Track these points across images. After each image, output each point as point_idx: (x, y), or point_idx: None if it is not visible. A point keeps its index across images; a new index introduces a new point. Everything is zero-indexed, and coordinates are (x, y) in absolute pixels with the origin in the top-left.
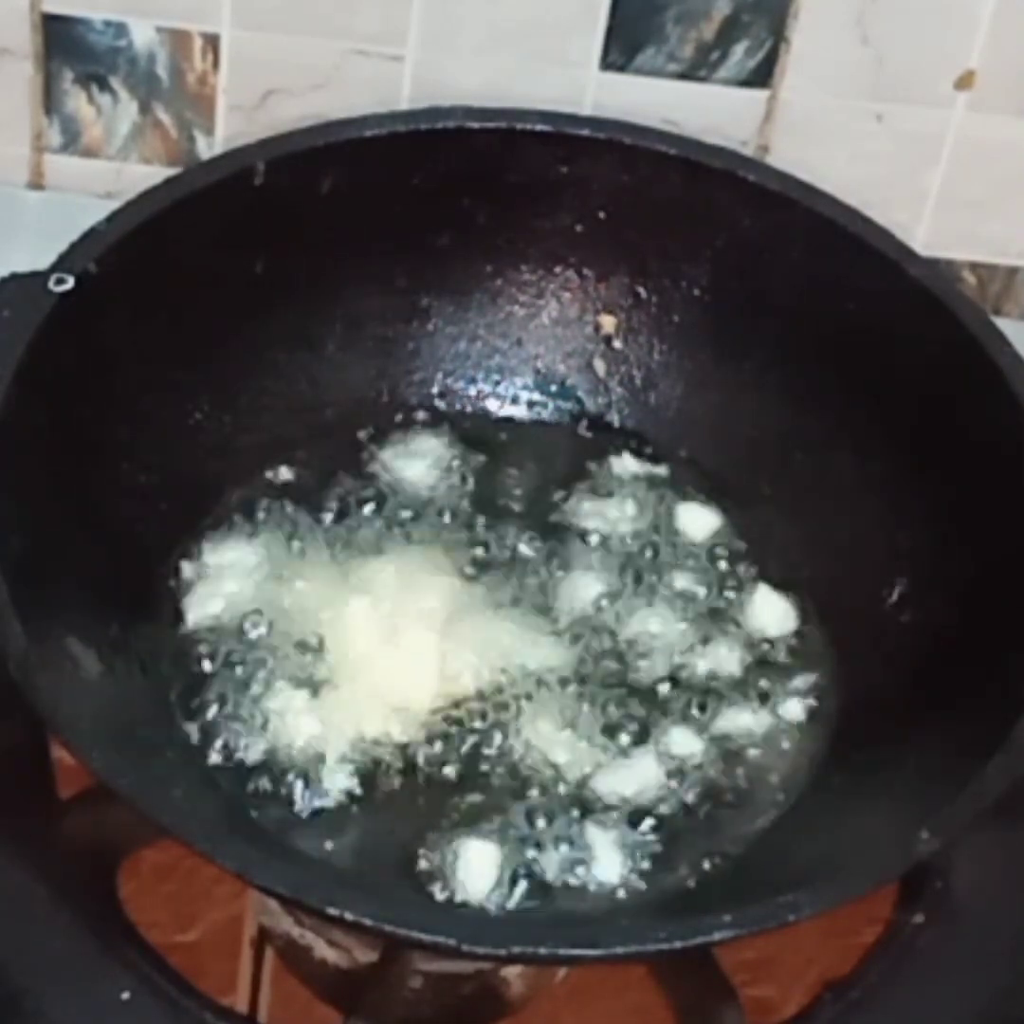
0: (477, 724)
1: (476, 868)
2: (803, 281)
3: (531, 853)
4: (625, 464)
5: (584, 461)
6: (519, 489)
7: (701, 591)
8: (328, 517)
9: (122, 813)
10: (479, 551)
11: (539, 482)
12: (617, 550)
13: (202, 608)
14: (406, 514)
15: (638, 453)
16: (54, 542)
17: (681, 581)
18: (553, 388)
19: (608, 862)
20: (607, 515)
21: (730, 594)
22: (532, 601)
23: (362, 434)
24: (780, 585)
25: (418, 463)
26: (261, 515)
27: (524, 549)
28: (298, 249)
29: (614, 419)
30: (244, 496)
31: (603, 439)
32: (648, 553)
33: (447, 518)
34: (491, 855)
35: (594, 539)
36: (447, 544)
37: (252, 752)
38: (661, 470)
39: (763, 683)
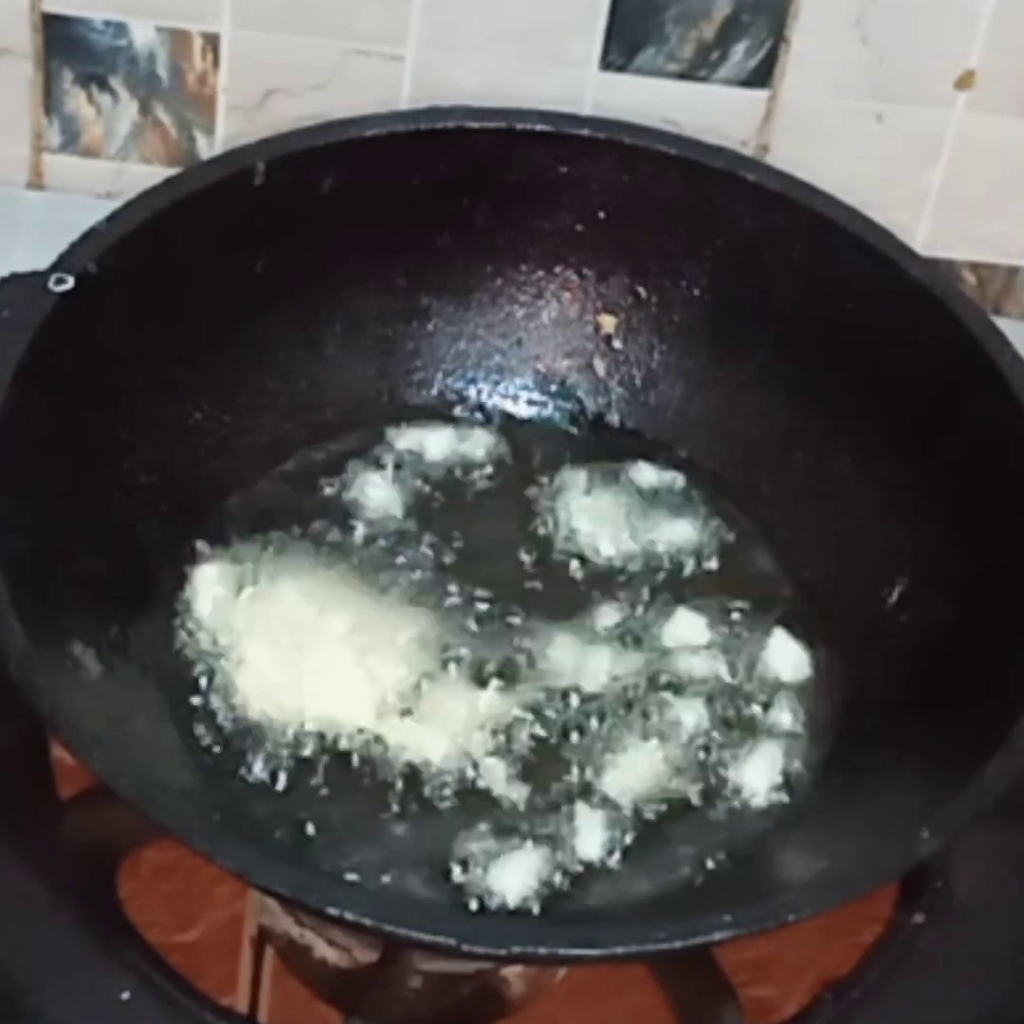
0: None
1: (510, 876)
2: (803, 281)
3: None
4: (640, 473)
5: (586, 465)
6: (516, 499)
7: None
8: (325, 520)
9: (122, 813)
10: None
11: (536, 490)
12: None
13: (202, 608)
14: (404, 520)
15: (647, 458)
16: (54, 542)
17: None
18: (553, 388)
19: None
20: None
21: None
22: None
23: (362, 434)
24: (778, 581)
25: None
26: (260, 516)
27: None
28: (298, 249)
29: (614, 419)
30: (244, 496)
31: (604, 440)
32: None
33: (445, 527)
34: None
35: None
36: (440, 560)
37: (254, 752)
38: (673, 478)
39: (763, 682)
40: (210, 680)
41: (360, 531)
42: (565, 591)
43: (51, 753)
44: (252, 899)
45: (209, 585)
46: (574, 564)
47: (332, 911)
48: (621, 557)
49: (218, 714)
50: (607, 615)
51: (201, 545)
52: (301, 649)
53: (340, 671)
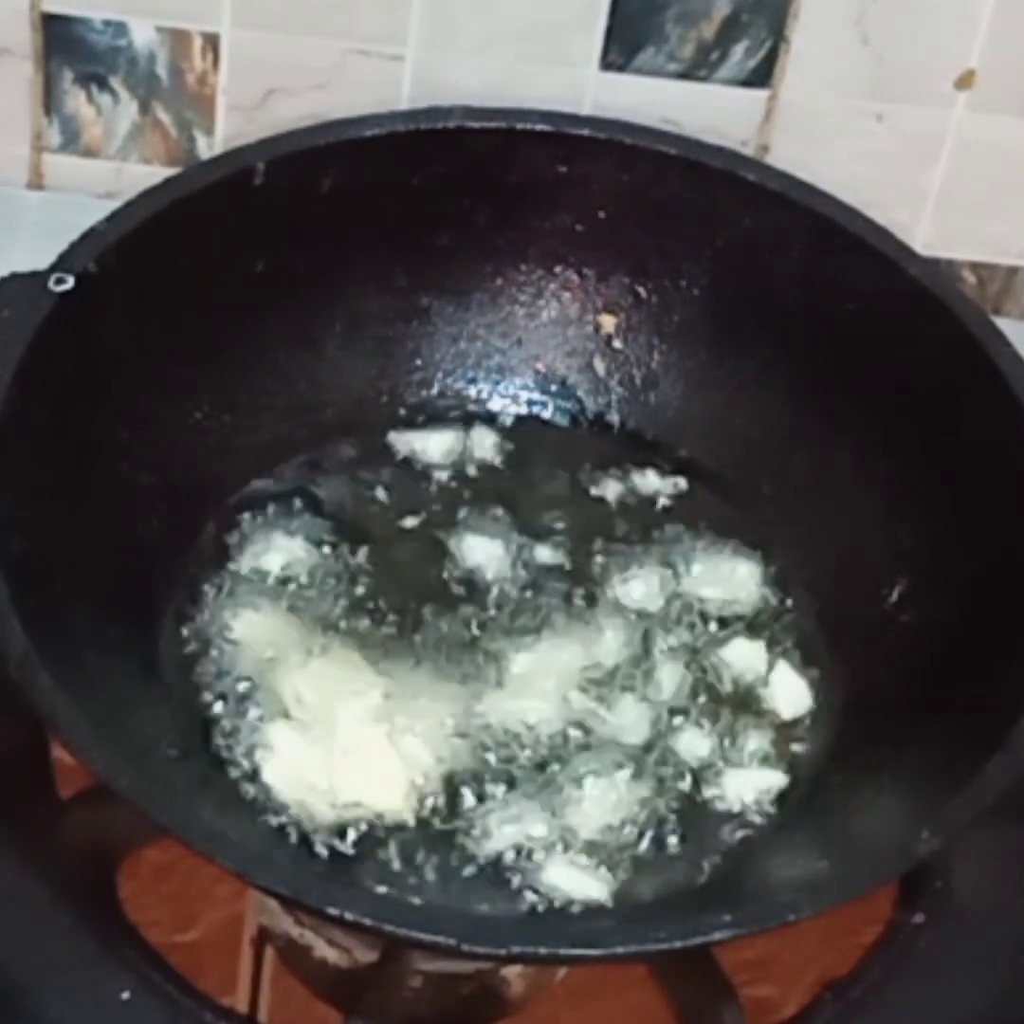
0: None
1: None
2: (803, 281)
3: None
4: (645, 480)
5: (586, 473)
6: (517, 501)
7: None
8: (322, 523)
9: (122, 813)
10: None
11: (540, 504)
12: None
13: (201, 609)
14: (406, 525)
15: (650, 464)
16: (54, 542)
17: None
18: (553, 388)
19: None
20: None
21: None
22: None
23: (362, 434)
24: (779, 582)
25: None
26: (260, 517)
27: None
28: (298, 249)
29: (614, 419)
30: (245, 496)
31: (606, 442)
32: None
33: (448, 533)
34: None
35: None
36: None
37: (254, 752)
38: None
39: (762, 683)
40: (213, 680)
41: (361, 535)
42: (564, 603)
43: (51, 753)
44: (252, 899)
45: (210, 585)
46: (573, 568)
47: (332, 911)
48: (620, 560)
49: (218, 713)
50: (610, 620)
51: (202, 544)
52: (330, 726)
53: (370, 749)
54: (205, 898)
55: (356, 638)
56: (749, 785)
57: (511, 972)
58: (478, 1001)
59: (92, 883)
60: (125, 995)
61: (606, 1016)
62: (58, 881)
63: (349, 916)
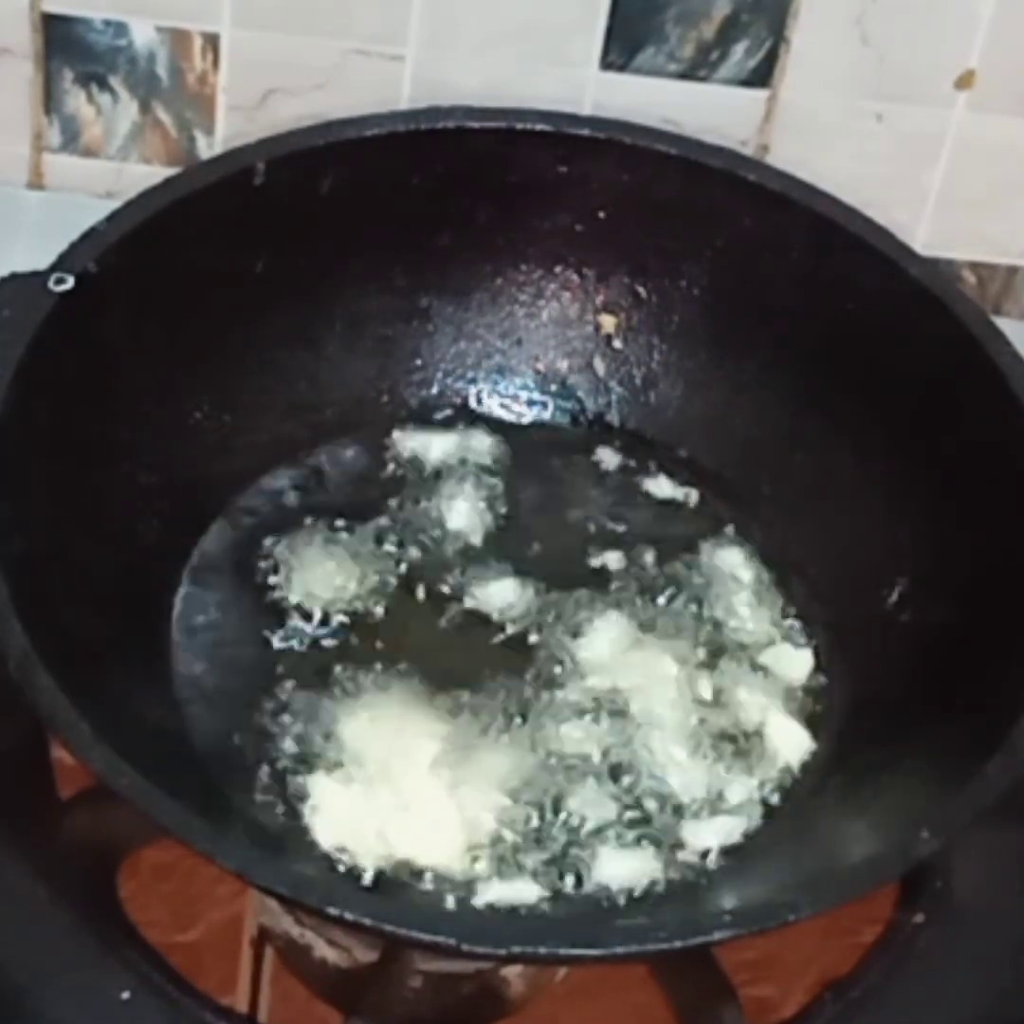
0: None
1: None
2: (803, 281)
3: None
4: (647, 480)
5: (587, 479)
6: (518, 502)
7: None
8: (323, 526)
9: (122, 813)
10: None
11: (540, 505)
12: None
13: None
14: (406, 528)
15: (654, 464)
16: (54, 542)
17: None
18: (553, 388)
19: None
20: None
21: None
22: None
23: (362, 434)
24: (779, 582)
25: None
26: (260, 517)
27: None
28: (298, 249)
29: (614, 419)
30: (245, 495)
31: (604, 440)
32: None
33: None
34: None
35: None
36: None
37: (255, 754)
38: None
39: (761, 683)
40: (214, 680)
41: (363, 537)
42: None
43: (51, 753)
44: (252, 899)
45: (210, 585)
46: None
47: (332, 911)
48: (624, 562)
49: (220, 712)
50: (617, 619)
51: (203, 544)
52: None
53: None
54: (205, 898)
55: (361, 646)
56: (751, 783)
57: (511, 972)
58: (478, 1001)
59: (92, 883)
60: (125, 995)
61: (606, 1016)
62: (58, 881)
63: (349, 916)
